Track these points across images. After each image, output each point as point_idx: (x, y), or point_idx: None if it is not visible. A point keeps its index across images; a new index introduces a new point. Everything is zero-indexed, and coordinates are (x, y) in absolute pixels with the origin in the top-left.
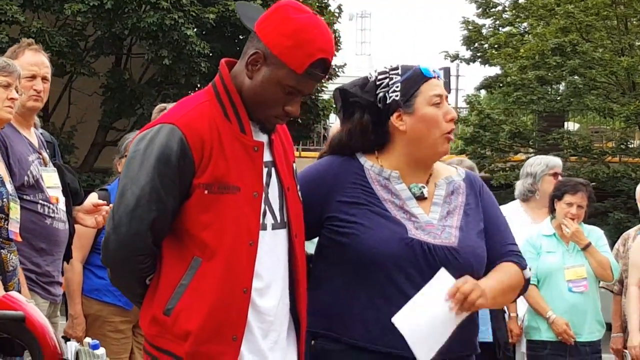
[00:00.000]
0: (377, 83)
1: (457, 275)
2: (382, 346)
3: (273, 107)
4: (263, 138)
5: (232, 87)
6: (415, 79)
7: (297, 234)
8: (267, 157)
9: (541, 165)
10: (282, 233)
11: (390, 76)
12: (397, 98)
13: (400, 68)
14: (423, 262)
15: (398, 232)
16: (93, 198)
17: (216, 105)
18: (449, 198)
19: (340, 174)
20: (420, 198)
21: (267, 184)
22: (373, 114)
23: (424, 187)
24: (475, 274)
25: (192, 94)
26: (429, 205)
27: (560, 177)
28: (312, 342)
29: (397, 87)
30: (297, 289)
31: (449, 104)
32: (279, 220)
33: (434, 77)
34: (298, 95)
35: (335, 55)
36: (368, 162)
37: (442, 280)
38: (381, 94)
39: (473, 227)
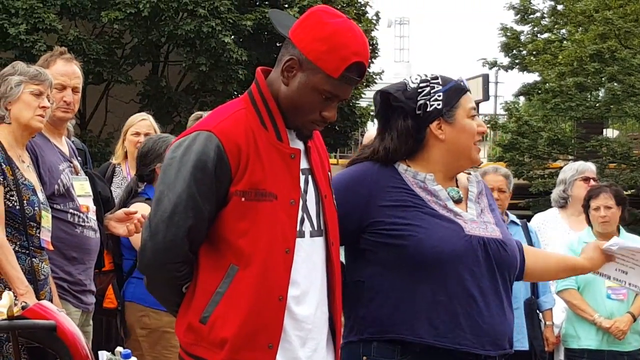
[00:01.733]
0: (419, 90)
1: (504, 266)
2: (449, 343)
3: (310, 112)
4: (299, 145)
5: (269, 94)
6: (456, 90)
7: (334, 242)
8: (304, 164)
9: (571, 170)
10: (319, 241)
11: (432, 85)
12: (439, 107)
13: (440, 78)
14: (481, 256)
15: (456, 230)
16: (140, 208)
17: (252, 113)
18: (479, 198)
19: (379, 179)
20: (458, 201)
21: (305, 192)
22: (412, 120)
23: (459, 190)
24: (518, 265)
25: (229, 101)
26: (465, 204)
27: (592, 182)
28: (364, 358)
29: (439, 96)
30: (333, 298)
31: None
32: (316, 228)
33: (469, 91)
34: (334, 100)
35: (372, 62)
36: (402, 166)
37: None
38: (422, 102)
39: (502, 224)
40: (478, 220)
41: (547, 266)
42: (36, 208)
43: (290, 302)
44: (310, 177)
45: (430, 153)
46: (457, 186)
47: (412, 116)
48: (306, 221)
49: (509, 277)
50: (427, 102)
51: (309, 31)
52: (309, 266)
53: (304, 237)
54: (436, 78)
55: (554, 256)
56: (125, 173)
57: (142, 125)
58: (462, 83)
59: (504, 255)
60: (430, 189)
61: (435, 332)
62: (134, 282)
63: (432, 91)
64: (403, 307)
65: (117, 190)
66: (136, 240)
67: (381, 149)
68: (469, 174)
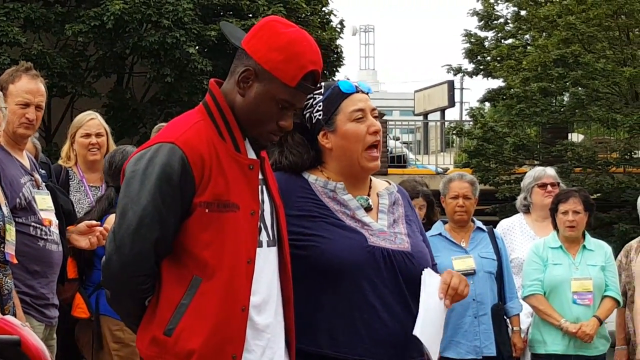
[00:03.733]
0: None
1: (412, 278)
2: (348, 353)
3: (268, 122)
4: (255, 156)
5: (225, 106)
6: (334, 97)
7: (287, 251)
8: (259, 175)
9: (529, 177)
10: (274, 250)
11: (314, 96)
12: (320, 117)
13: (323, 87)
14: (383, 267)
15: (358, 241)
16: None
17: (210, 125)
18: (392, 208)
19: (287, 189)
20: (367, 209)
21: (262, 202)
22: (304, 133)
23: (368, 199)
24: None
25: (184, 113)
26: (376, 214)
27: (550, 187)
28: None
29: (319, 106)
30: (287, 306)
31: (376, 116)
32: (271, 238)
33: (357, 92)
34: (291, 110)
35: (337, 71)
36: (312, 177)
37: (431, 280)
38: (307, 115)
39: (417, 235)
40: (388, 231)
41: None
42: (0, 222)
43: (251, 312)
44: (264, 187)
45: (329, 161)
46: (369, 194)
47: (300, 131)
48: (263, 231)
49: (418, 289)
50: (311, 115)
51: (265, 41)
52: (267, 275)
53: (261, 246)
54: (319, 88)
55: None
56: (79, 177)
57: (91, 125)
58: (340, 87)
59: (409, 266)
60: (339, 199)
61: (335, 342)
62: None
63: (314, 102)
64: (306, 318)
65: (77, 195)
66: None
67: (284, 161)
68: (390, 183)
